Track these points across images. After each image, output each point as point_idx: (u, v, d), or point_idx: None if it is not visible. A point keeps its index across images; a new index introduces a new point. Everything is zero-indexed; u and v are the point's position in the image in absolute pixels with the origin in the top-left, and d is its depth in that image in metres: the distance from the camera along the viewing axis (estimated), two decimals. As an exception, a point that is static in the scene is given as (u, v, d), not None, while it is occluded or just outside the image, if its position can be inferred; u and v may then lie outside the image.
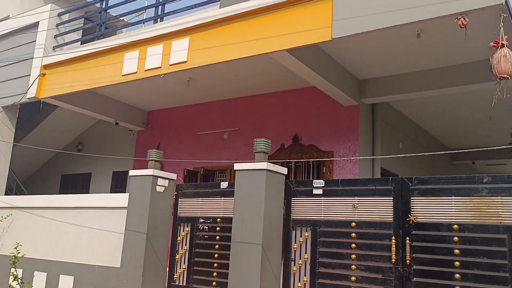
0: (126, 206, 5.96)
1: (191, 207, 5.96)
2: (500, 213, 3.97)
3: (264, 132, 9.13)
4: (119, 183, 11.95)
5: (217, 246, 5.58)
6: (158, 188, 5.89)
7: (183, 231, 5.94)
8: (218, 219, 5.66)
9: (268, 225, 4.90)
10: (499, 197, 4.00)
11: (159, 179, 5.91)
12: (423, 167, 11.19)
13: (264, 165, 5.00)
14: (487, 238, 4.00)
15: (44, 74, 8.79)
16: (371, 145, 8.40)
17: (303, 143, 8.65)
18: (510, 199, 3.94)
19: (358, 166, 7.88)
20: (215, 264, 5.53)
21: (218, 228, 5.64)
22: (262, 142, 5.22)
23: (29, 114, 12.38)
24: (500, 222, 3.96)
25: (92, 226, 6.35)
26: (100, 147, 12.44)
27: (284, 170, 5.29)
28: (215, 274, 5.50)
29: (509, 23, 4.82)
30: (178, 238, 5.95)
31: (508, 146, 4.15)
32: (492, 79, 4.41)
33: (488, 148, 4.17)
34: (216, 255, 5.55)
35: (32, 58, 8.94)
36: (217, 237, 5.61)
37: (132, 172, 6.07)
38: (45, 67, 8.86)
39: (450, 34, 6.10)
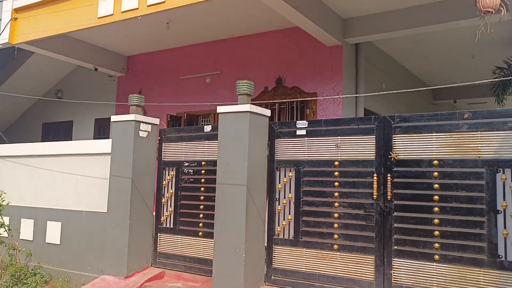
0: (110, 152, 5.92)
1: (175, 151, 5.95)
2: (479, 147, 4.05)
3: (247, 75, 9.00)
4: (101, 130, 11.84)
5: (202, 188, 5.65)
6: (141, 133, 5.85)
7: (168, 175, 5.97)
8: (203, 163, 5.69)
9: (252, 167, 4.94)
10: (479, 132, 4.06)
11: (141, 124, 5.85)
12: (405, 108, 11.27)
13: (247, 107, 4.96)
14: (466, 172, 4.09)
15: (16, 18, 8.41)
16: (354, 85, 8.38)
17: (286, 85, 8.58)
18: (489, 134, 4.01)
19: (342, 107, 7.89)
20: (201, 206, 5.62)
21: (203, 171, 5.68)
22: (245, 84, 5.15)
23: (4, 61, 11.96)
24: (479, 157, 4.04)
25: (77, 172, 6.34)
26: (80, 94, 12.19)
27: (268, 112, 5.27)
28: (201, 215, 5.61)
29: (496, -46, 4.70)
30: (164, 182, 5.99)
31: (490, 81, 4.15)
32: (477, 13, 4.34)
33: (470, 83, 4.18)
34: (202, 197, 5.63)
35: (2, 1, 8.50)
36: (202, 180, 5.66)
37: (114, 118, 5.98)
38: (17, 10, 8.45)
39: (435, -32, 5.94)
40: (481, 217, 3.98)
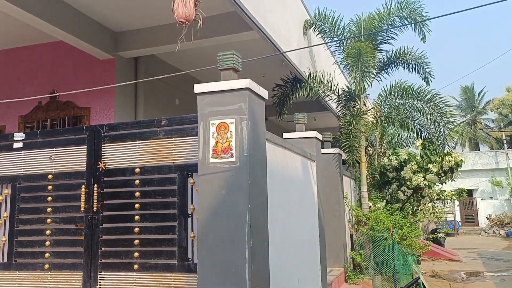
0: None
1: None
2: (173, 153, 4.12)
3: (21, 90, 8.29)
4: None
5: None
6: None
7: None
8: None
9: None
10: (173, 138, 4.14)
11: None
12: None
13: None
14: (162, 178, 4.13)
15: None
16: (132, 100, 8.23)
17: (60, 99, 8.08)
18: (181, 140, 4.11)
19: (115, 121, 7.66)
20: None
21: None
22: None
23: None
24: (173, 162, 4.11)
25: None
26: None
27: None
28: None
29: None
30: None
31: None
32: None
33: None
34: None
35: None
36: None
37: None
38: None
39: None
40: (173, 221, 4.02)
